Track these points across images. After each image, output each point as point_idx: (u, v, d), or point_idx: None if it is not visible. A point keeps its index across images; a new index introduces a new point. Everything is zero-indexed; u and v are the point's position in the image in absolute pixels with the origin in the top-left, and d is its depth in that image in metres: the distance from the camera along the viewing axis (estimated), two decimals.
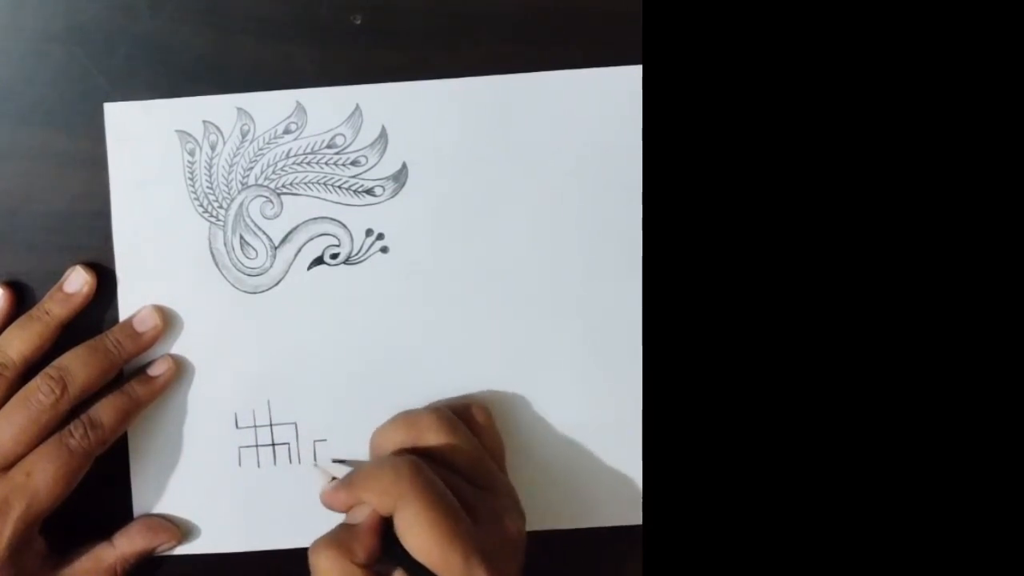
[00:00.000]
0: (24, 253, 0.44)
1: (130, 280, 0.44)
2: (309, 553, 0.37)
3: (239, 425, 0.44)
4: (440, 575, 0.36)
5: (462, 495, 0.38)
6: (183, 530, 0.44)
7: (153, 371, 0.43)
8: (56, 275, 0.43)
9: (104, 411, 0.41)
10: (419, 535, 0.36)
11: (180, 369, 0.44)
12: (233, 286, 0.44)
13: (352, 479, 0.38)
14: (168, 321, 0.43)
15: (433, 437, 0.40)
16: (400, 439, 0.40)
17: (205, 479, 0.44)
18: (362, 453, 0.43)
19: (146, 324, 0.43)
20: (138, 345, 0.43)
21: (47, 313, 0.42)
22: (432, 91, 0.43)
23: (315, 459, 0.44)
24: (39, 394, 0.40)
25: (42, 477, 0.39)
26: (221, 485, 0.44)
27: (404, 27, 0.43)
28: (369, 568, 0.37)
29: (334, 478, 0.40)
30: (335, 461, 0.43)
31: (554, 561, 0.45)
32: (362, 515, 0.38)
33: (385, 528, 0.37)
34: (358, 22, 0.43)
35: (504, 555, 0.38)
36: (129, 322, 0.43)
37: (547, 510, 0.45)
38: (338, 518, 0.39)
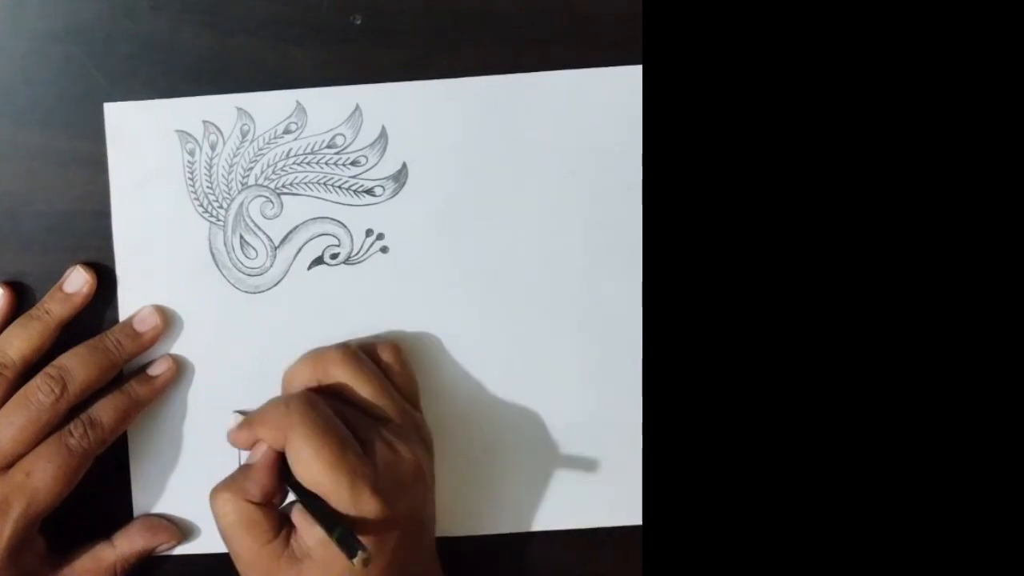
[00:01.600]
0: (24, 253, 0.44)
1: (130, 280, 0.44)
2: (208, 497, 0.38)
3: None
4: (329, 502, 0.37)
5: (356, 426, 0.39)
6: (183, 530, 0.44)
7: (153, 371, 0.43)
8: (56, 275, 0.43)
9: (104, 411, 0.41)
10: (306, 464, 0.37)
11: (180, 369, 0.44)
12: (233, 286, 0.44)
13: (250, 417, 0.39)
14: (168, 321, 0.43)
15: (337, 372, 0.40)
16: (307, 376, 0.41)
17: (205, 479, 0.44)
18: None
19: (146, 324, 0.43)
20: (138, 345, 0.43)
21: (47, 313, 0.42)
22: (432, 91, 0.43)
23: None
24: (39, 394, 0.40)
25: (42, 476, 0.39)
26: None
27: (404, 27, 0.43)
28: (267, 505, 0.38)
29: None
30: (236, 412, 0.44)
31: (554, 561, 0.45)
32: (258, 454, 0.39)
33: (285, 466, 0.38)
34: (358, 22, 0.43)
35: (397, 484, 0.38)
36: (129, 322, 0.43)
37: (547, 510, 0.45)
38: None
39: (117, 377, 0.42)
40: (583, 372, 0.44)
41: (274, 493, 0.38)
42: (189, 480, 0.44)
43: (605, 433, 0.45)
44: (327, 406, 0.38)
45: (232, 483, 0.38)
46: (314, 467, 0.37)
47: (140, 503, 0.44)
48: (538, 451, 0.45)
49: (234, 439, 0.40)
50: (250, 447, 0.40)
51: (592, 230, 0.44)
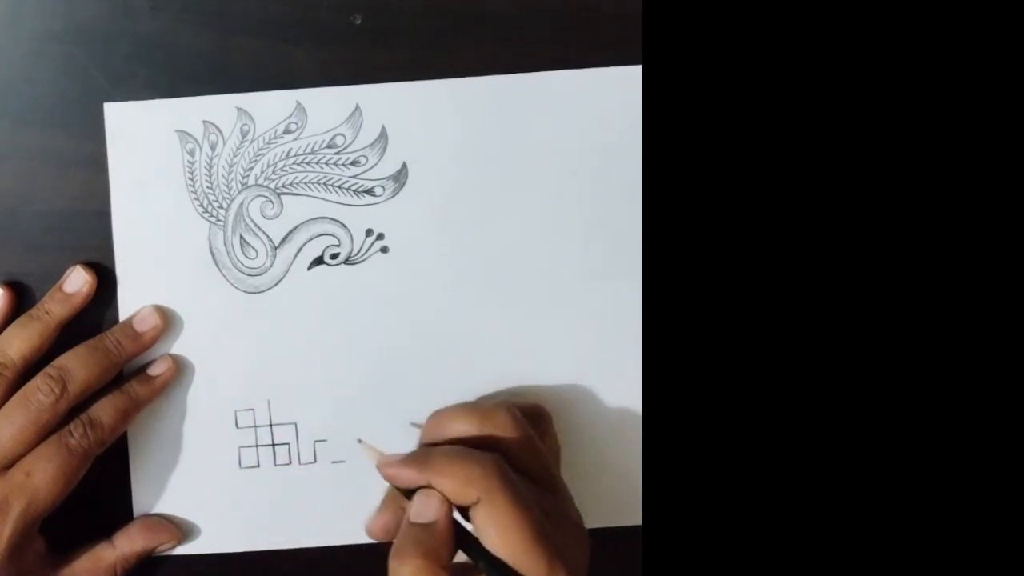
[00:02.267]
0: (24, 253, 0.44)
1: (130, 280, 0.44)
2: (391, 562, 0.35)
3: (239, 425, 0.44)
4: (522, 572, 0.34)
5: (536, 497, 0.37)
6: (183, 530, 0.44)
7: (153, 371, 0.43)
8: (56, 275, 0.43)
9: (104, 411, 0.41)
10: (505, 534, 0.34)
11: (180, 369, 0.44)
12: (233, 286, 0.44)
13: (428, 459, 0.36)
14: (168, 321, 0.43)
15: (505, 436, 0.38)
16: (467, 429, 0.38)
17: (205, 479, 0.44)
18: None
19: (146, 324, 0.43)
20: (138, 345, 0.43)
21: (47, 313, 0.42)
22: (432, 91, 0.43)
23: (315, 459, 0.44)
24: (39, 394, 0.40)
25: (42, 476, 0.39)
26: (221, 485, 0.44)
27: (404, 27, 0.43)
28: (451, 570, 0.35)
29: (382, 452, 0.38)
30: (365, 442, 0.41)
31: None
32: (431, 509, 0.36)
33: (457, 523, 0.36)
34: (358, 22, 0.43)
35: (579, 558, 0.37)
36: (129, 322, 0.43)
37: None
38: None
39: (117, 377, 0.42)
40: (583, 372, 0.44)
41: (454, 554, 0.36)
42: (189, 480, 0.44)
43: (605, 433, 0.45)
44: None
45: (420, 547, 0.35)
46: (515, 538, 0.34)
47: (140, 503, 0.44)
48: None
49: (394, 474, 0.37)
50: (410, 486, 0.37)
51: (592, 230, 0.44)
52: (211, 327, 0.44)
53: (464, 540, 0.36)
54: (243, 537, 0.44)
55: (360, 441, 0.40)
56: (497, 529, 0.35)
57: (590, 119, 0.44)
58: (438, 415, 0.39)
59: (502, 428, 0.38)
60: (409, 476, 0.36)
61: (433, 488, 0.36)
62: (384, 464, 0.37)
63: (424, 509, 0.36)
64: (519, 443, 0.38)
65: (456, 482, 0.35)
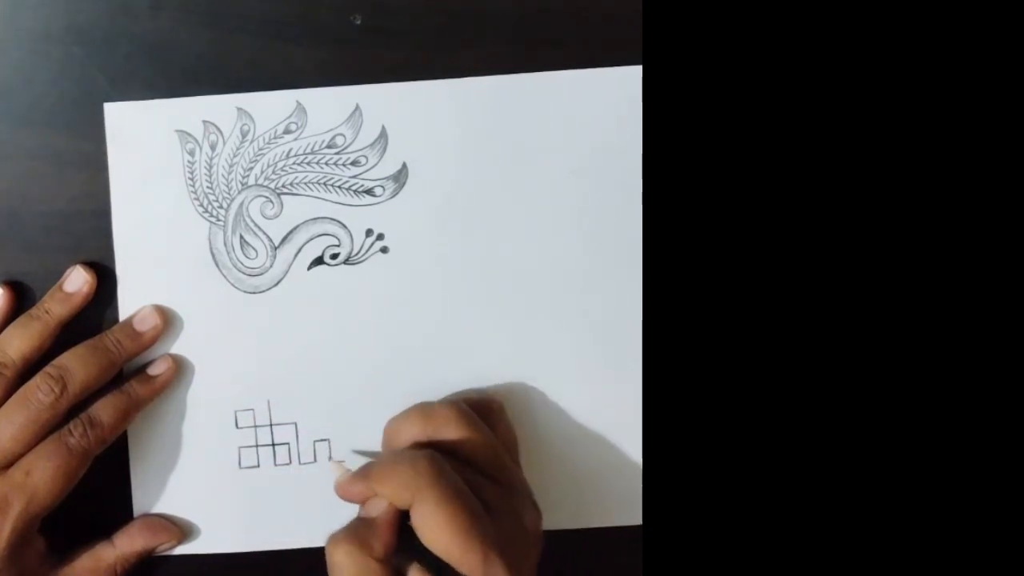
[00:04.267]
0: (24, 253, 0.44)
1: (130, 280, 0.44)
2: (327, 546, 0.37)
3: (239, 425, 0.44)
4: (459, 570, 0.36)
5: (479, 490, 0.38)
6: (183, 530, 0.44)
7: (153, 371, 0.43)
8: (56, 275, 0.43)
9: (104, 410, 0.41)
10: (437, 530, 0.36)
11: (180, 369, 0.44)
12: (233, 286, 0.44)
13: (369, 471, 0.38)
14: (168, 321, 0.43)
15: (450, 431, 0.39)
16: (415, 431, 0.39)
17: (205, 479, 0.44)
18: (362, 453, 0.43)
19: (146, 324, 0.43)
20: (138, 345, 0.43)
21: (47, 312, 0.42)
22: (432, 91, 0.43)
23: (315, 459, 0.44)
24: (39, 393, 0.40)
25: (41, 476, 0.39)
26: (221, 485, 0.44)
27: (404, 27, 0.43)
28: (386, 562, 0.36)
29: (348, 470, 0.39)
30: (336, 461, 0.43)
31: (554, 561, 0.45)
32: (378, 508, 0.37)
33: (401, 522, 0.37)
34: (358, 22, 0.43)
35: (522, 550, 0.37)
36: (129, 322, 0.43)
37: (547, 510, 0.45)
38: (346, 512, 0.39)
39: (117, 377, 0.42)
40: (583, 372, 0.44)
41: (394, 550, 0.37)
42: (189, 480, 0.44)
43: (605, 433, 0.45)
44: (452, 468, 0.37)
45: (355, 536, 0.36)
46: (445, 535, 0.35)
47: (140, 503, 0.44)
48: (537, 451, 0.45)
49: (345, 492, 0.38)
50: (362, 501, 0.38)
51: (592, 230, 0.44)
52: (211, 327, 0.44)
53: (409, 541, 0.37)
54: (243, 537, 0.44)
55: (330, 459, 0.43)
56: (429, 527, 0.36)
57: (590, 119, 0.44)
58: (390, 422, 0.40)
59: (447, 424, 0.39)
60: (358, 490, 0.38)
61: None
62: (337, 485, 0.39)
63: (370, 508, 0.38)
64: (466, 437, 0.39)
65: (392, 487, 0.37)
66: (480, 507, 0.37)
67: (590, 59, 0.43)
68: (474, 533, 0.35)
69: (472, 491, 0.37)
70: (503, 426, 0.42)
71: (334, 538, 0.37)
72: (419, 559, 0.36)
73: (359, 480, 0.38)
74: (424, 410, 0.40)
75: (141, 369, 0.43)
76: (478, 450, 0.39)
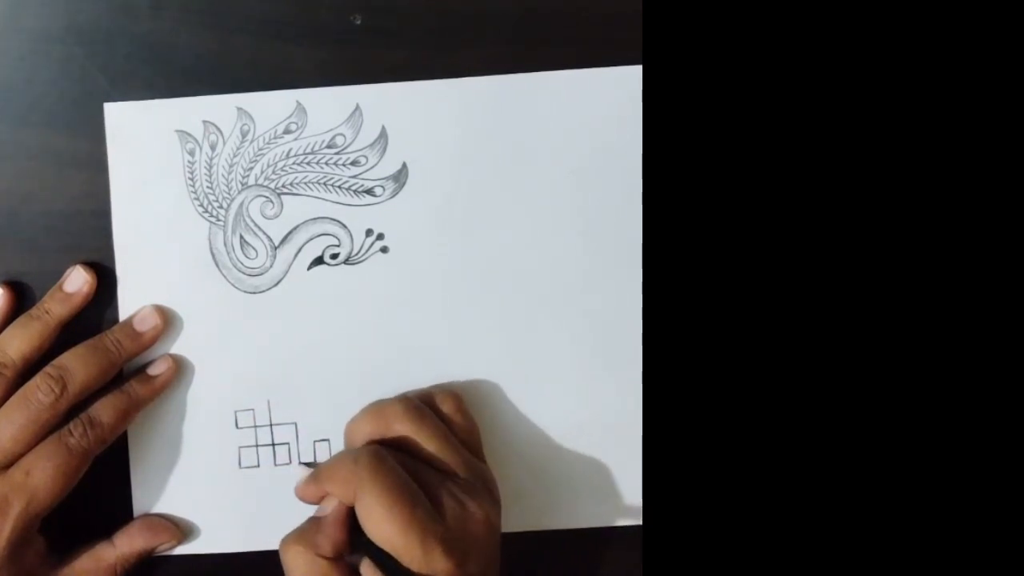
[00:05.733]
0: (24, 253, 0.44)
1: (130, 280, 0.44)
2: (279, 549, 0.38)
3: (239, 425, 0.44)
4: (400, 559, 0.37)
5: (425, 481, 0.38)
6: (183, 530, 0.44)
7: (153, 371, 0.43)
8: (56, 275, 0.43)
9: (103, 410, 0.41)
10: (377, 521, 0.37)
11: (180, 369, 0.44)
12: (233, 286, 0.44)
13: (318, 472, 0.39)
14: (168, 321, 0.43)
15: (400, 426, 0.40)
16: (369, 430, 0.40)
17: (205, 479, 0.44)
18: None
19: (146, 324, 0.43)
20: (138, 344, 0.43)
21: (47, 312, 0.42)
22: (432, 91, 0.43)
23: (315, 459, 0.44)
24: (39, 393, 0.40)
25: (41, 476, 0.39)
26: (221, 485, 0.44)
27: (404, 27, 0.43)
28: (337, 560, 0.38)
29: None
30: (302, 464, 0.44)
31: (554, 561, 0.45)
32: (328, 507, 0.39)
33: (353, 519, 0.38)
34: (358, 22, 0.43)
35: (467, 542, 0.38)
36: (129, 322, 0.43)
37: (548, 510, 0.45)
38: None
39: (117, 377, 0.42)
40: (583, 372, 0.44)
41: (345, 547, 0.38)
42: (189, 480, 0.44)
43: (605, 433, 0.45)
44: (396, 462, 0.38)
45: (303, 537, 0.38)
46: (385, 525, 0.37)
47: (140, 503, 0.44)
48: (538, 451, 0.45)
49: (302, 494, 0.40)
50: (318, 502, 0.39)
51: (592, 230, 0.44)
52: (211, 327, 0.44)
53: (358, 536, 0.38)
54: (243, 537, 0.44)
55: (299, 464, 0.44)
56: (371, 519, 0.37)
57: (590, 119, 0.44)
58: (348, 424, 0.41)
59: (396, 419, 0.40)
60: (312, 491, 0.39)
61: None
62: (296, 489, 0.40)
63: (322, 507, 0.39)
64: (414, 431, 0.40)
65: (337, 483, 0.38)
66: (423, 498, 0.37)
67: (590, 59, 0.43)
68: (414, 523, 0.36)
69: (418, 483, 0.38)
70: (460, 418, 0.42)
71: (284, 540, 0.38)
72: (369, 554, 0.37)
73: (312, 481, 0.39)
74: (376, 408, 0.41)
75: (141, 369, 0.43)
76: (426, 442, 0.40)
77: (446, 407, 0.42)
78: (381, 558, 0.37)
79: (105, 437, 0.41)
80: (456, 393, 0.43)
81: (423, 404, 0.41)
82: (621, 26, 0.43)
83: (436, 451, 0.40)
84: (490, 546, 0.39)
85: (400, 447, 0.40)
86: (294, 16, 0.43)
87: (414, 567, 0.36)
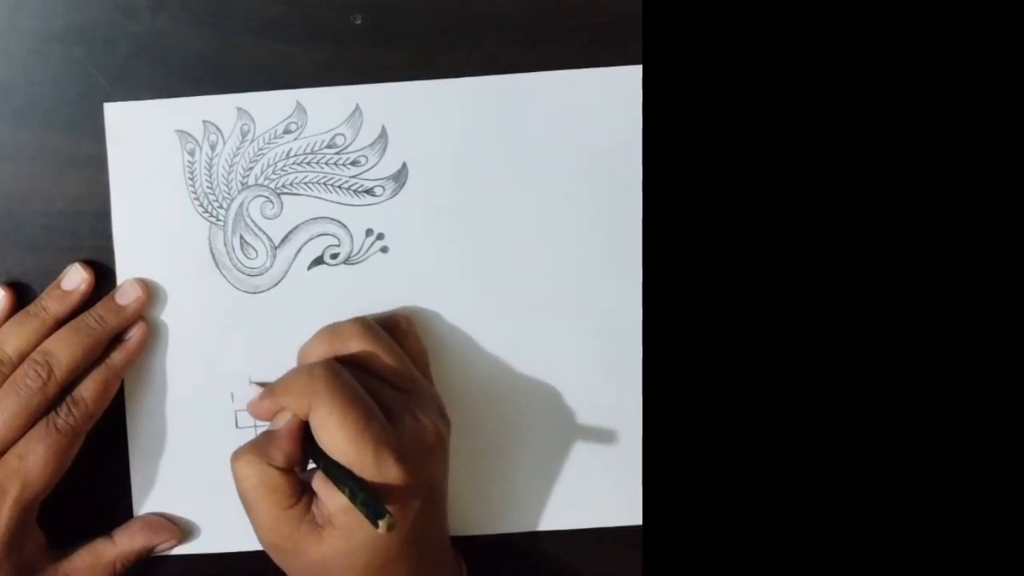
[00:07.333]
0: (24, 253, 0.44)
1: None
2: (230, 461, 0.39)
3: (239, 425, 0.44)
4: (353, 470, 0.37)
5: (379, 396, 0.39)
6: (183, 530, 0.44)
7: (127, 335, 0.43)
8: (56, 275, 0.43)
9: (84, 387, 0.41)
10: (331, 432, 0.37)
11: (153, 331, 0.43)
12: (233, 286, 0.44)
13: (272, 387, 0.40)
14: (151, 293, 0.43)
15: (355, 344, 0.40)
16: (323, 349, 0.41)
17: (205, 479, 0.44)
18: None
19: (128, 296, 0.43)
20: (121, 318, 0.42)
21: (44, 310, 0.42)
22: (432, 91, 0.43)
23: None
24: (26, 380, 0.40)
25: (34, 459, 0.40)
26: (221, 485, 0.44)
27: (404, 27, 0.43)
28: (287, 471, 0.38)
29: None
30: (255, 383, 0.44)
31: (554, 561, 0.45)
32: (282, 421, 0.39)
33: (307, 434, 0.38)
34: (358, 22, 0.43)
35: (420, 453, 0.38)
36: (111, 296, 0.43)
37: (547, 510, 0.45)
38: None
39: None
40: (583, 372, 0.44)
41: (297, 460, 0.39)
42: (189, 480, 0.44)
43: (605, 433, 0.45)
44: (350, 375, 0.39)
45: (255, 447, 0.38)
46: (339, 436, 0.37)
47: (140, 503, 0.44)
48: (538, 451, 0.45)
49: (255, 409, 0.40)
50: (272, 417, 0.40)
51: (592, 230, 0.44)
52: (211, 327, 0.44)
53: (312, 448, 0.38)
54: (243, 537, 0.44)
55: (251, 383, 0.44)
56: (324, 429, 0.37)
57: (590, 119, 0.44)
58: (301, 346, 0.42)
59: (352, 338, 0.41)
60: (265, 407, 0.40)
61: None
62: (249, 405, 0.41)
63: (276, 421, 0.40)
64: (370, 348, 0.40)
65: (291, 396, 0.38)
66: (376, 410, 0.38)
67: (590, 59, 0.43)
68: (367, 433, 0.37)
69: (372, 396, 0.38)
70: (411, 340, 0.43)
71: (236, 452, 0.39)
72: (323, 466, 0.38)
73: (266, 396, 0.40)
74: (331, 328, 0.41)
75: (116, 339, 0.43)
76: (381, 360, 0.40)
77: (399, 330, 0.42)
78: (336, 470, 0.37)
79: (91, 412, 0.41)
80: (408, 316, 0.43)
81: (376, 324, 0.42)
82: (621, 26, 0.43)
83: (390, 367, 0.40)
84: (440, 458, 0.40)
85: (355, 364, 0.40)
86: (294, 16, 0.43)
87: (367, 476, 0.37)
